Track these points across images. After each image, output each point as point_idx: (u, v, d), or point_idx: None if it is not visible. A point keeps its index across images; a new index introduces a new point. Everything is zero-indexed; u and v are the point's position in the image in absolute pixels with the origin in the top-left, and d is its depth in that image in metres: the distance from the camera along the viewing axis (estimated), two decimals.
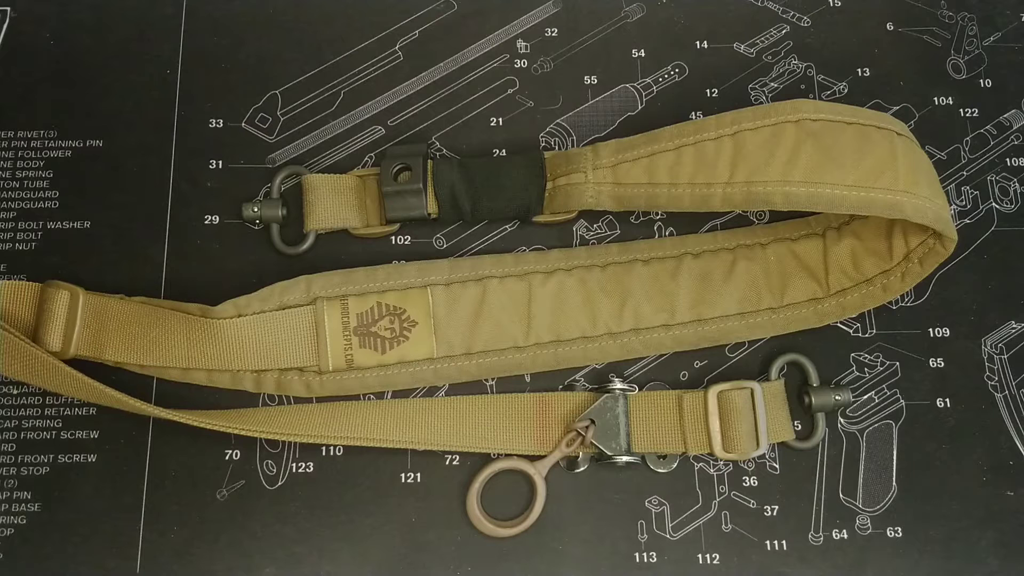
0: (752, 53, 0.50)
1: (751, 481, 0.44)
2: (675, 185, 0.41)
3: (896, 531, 0.43)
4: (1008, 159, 0.49)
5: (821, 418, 0.44)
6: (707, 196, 0.41)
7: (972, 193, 0.48)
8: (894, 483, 0.44)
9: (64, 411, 0.44)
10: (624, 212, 0.47)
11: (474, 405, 0.43)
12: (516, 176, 0.45)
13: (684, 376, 0.45)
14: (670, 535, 0.43)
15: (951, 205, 0.48)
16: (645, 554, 0.43)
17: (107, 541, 0.42)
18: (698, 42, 0.50)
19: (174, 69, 0.49)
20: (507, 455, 0.43)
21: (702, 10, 0.51)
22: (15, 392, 0.44)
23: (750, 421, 0.43)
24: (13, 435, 0.43)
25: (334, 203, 0.45)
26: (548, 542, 0.43)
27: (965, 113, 0.50)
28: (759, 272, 0.45)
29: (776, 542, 0.43)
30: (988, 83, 0.50)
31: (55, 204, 0.46)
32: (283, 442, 0.43)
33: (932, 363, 0.46)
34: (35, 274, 0.45)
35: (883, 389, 0.45)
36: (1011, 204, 0.48)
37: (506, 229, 0.47)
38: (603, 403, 0.43)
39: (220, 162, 0.47)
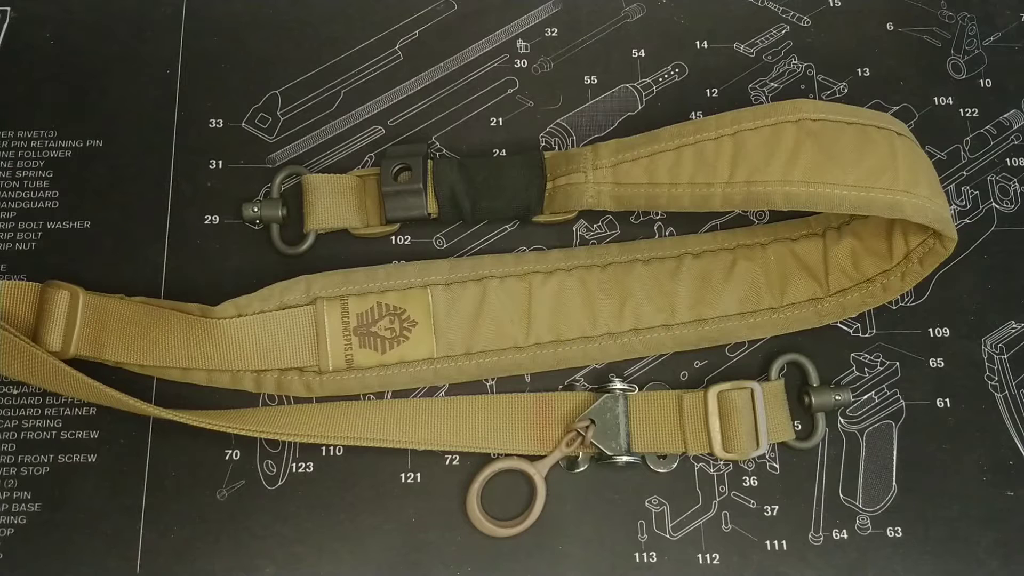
0: (752, 53, 0.50)
1: (751, 481, 0.44)
2: (675, 185, 0.41)
3: (896, 531, 0.43)
4: (1008, 159, 0.49)
5: (821, 418, 0.44)
6: (707, 196, 0.41)
7: (972, 193, 0.48)
8: (894, 483, 0.44)
9: (64, 411, 0.44)
10: (624, 212, 0.47)
11: (474, 405, 0.43)
12: (516, 176, 0.45)
13: (684, 376, 0.45)
14: (670, 535, 0.43)
15: (951, 205, 0.48)
16: (645, 554, 0.43)
17: (107, 541, 0.42)
18: (698, 42, 0.50)
19: (174, 69, 0.49)
20: (507, 455, 0.43)
21: (702, 10, 0.51)
22: (15, 392, 0.44)
23: (750, 421, 0.43)
24: (13, 435, 0.43)
25: (334, 203, 0.45)
26: (548, 542, 0.43)
27: (965, 113, 0.50)
28: (759, 272, 0.45)
29: (776, 542, 0.43)
30: (988, 83, 0.50)
31: (55, 204, 0.46)
32: (283, 442, 0.43)
33: (932, 363, 0.46)
34: (35, 274, 0.45)
35: (883, 389, 0.45)
36: (1011, 204, 0.48)
37: (506, 229, 0.47)
38: (603, 403, 0.43)
39: (220, 162, 0.47)
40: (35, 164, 0.47)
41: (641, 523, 0.43)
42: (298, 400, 0.44)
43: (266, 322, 0.43)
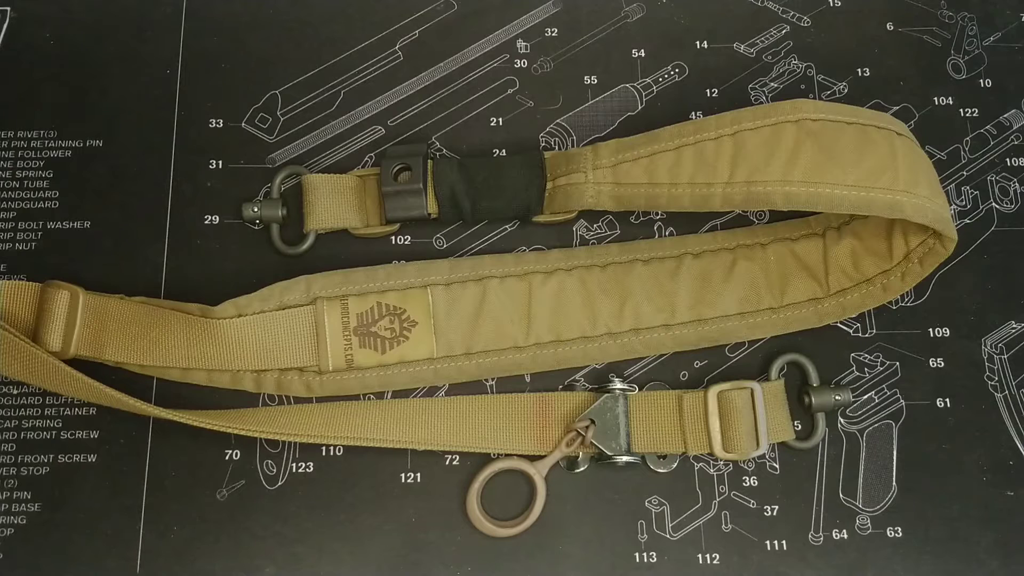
0: (752, 53, 0.50)
1: (751, 481, 0.44)
2: (675, 185, 0.41)
3: (896, 531, 0.43)
4: (1008, 159, 0.49)
5: (821, 418, 0.44)
6: (707, 196, 0.41)
7: (972, 193, 0.48)
8: (894, 483, 0.44)
9: (64, 411, 0.44)
10: (624, 212, 0.47)
11: (474, 405, 0.43)
12: (516, 176, 0.45)
13: (684, 376, 0.45)
14: (670, 535, 0.43)
15: (951, 205, 0.48)
16: (645, 554, 0.43)
17: (107, 541, 0.42)
18: (698, 42, 0.50)
19: (174, 69, 0.49)
20: (507, 455, 0.43)
21: (702, 10, 0.51)
22: (15, 392, 0.44)
23: (750, 421, 0.43)
24: (13, 435, 0.43)
25: (334, 203, 0.45)
26: (548, 542, 0.43)
27: (965, 113, 0.50)
28: (759, 272, 0.45)
29: (776, 542, 0.43)
30: (988, 83, 0.50)
31: (55, 204, 0.46)
32: (283, 442, 0.43)
33: (932, 363, 0.46)
34: (35, 274, 0.45)
35: (883, 389, 0.45)
36: (1011, 204, 0.48)
37: (506, 229, 0.47)
38: (603, 403, 0.43)
39: (220, 162, 0.47)
40: (35, 164, 0.47)
41: (641, 523, 0.43)
42: (298, 400, 0.44)
43: (266, 322, 0.43)
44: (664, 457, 0.44)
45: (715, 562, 0.43)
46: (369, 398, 0.44)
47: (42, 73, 0.48)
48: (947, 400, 0.45)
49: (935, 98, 0.50)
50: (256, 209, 0.46)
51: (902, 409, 0.45)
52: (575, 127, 0.48)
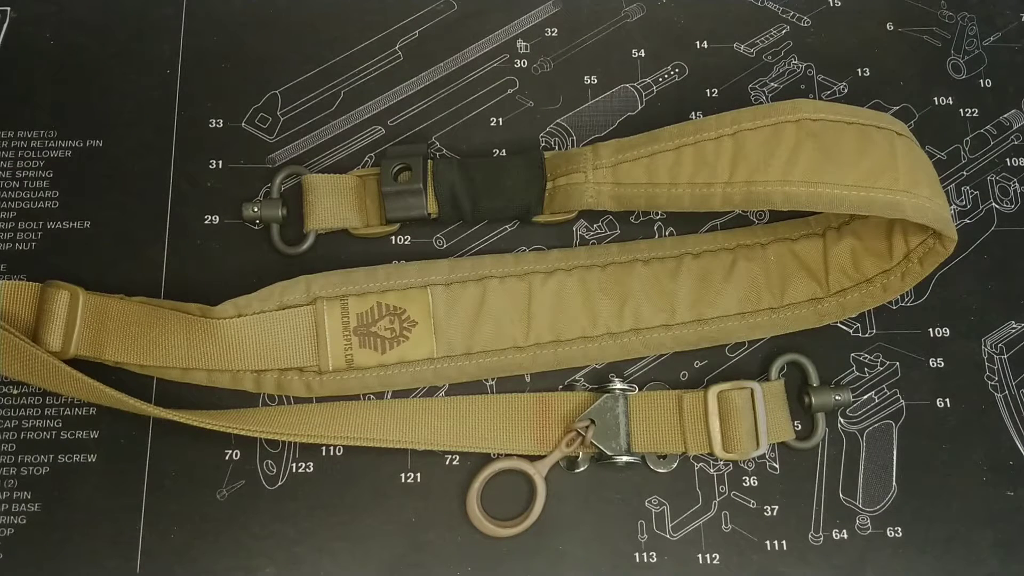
0: (752, 53, 0.50)
1: (751, 481, 0.44)
2: (675, 185, 0.41)
3: (896, 531, 0.43)
4: (1008, 159, 0.49)
5: (821, 418, 0.44)
6: (707, 196, 0.41)
7: (972, 193, 0.48)
8: (894, 483, 0.44)
9: (64, 411, 0.44)
10: (624, 212, 0.47)
11: (474, 405, 0.43)
12: (516, 176, 0.45)
13: (684, 376, 0.45)
14: (670, 535, 0.43)
15: (951, 205, 0.48)
16: (645, 554, 0.43)
17: (107, 541, 0.42)
18: (698, 42, 0.50)
19: (174, 69, 0.49)
20: (507, 455, 0.43)
21: (702, 10, 0.51)
22: (15, 392, 0.44)
23: (750, 421, 0.43)
24: (13, 435, 0.43)
25: (334, 203, 0.45)
26: (548, 542, 0.43)
27: (965, 113, 0.50)
28: (759, 272, 0.45)
29: (776, 542, 0.43)
30: (988, 83, 0.50)
31: (55, 204, 0.46)
32: (283, 442, 0.43)
33: (932, 363, 0.46)
34: (35, 274, 0.45)
35: (883, 389, 0.45)
36: (1011, 204, 0.48)
37: (506, 229, 0.47)
38: (603, 403, 0.43)
39: (220, 162, 0.47)
40: (35, 164, 0.47)
41: (641, 523, 0.43)
42: (298, 400, 0.44)
43: (266, 322, 0.43)
44: (664, 457, 0.44)
45: (715, 562, 0.43)
46: (369, 398, 0.44)
47: (42, 73, 0.48)
48: (947, 400, 0.45)
49: (935, 98, 0.50)
50: (256, 209, 0.46)
51: (902, 409, 0.45)
52: (575, 127, 0.48)
